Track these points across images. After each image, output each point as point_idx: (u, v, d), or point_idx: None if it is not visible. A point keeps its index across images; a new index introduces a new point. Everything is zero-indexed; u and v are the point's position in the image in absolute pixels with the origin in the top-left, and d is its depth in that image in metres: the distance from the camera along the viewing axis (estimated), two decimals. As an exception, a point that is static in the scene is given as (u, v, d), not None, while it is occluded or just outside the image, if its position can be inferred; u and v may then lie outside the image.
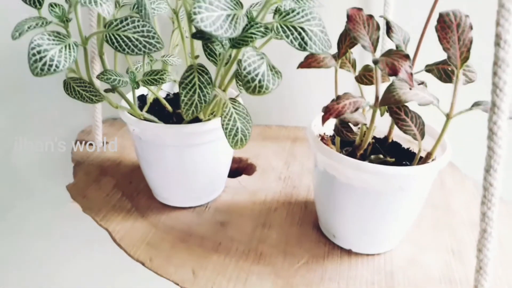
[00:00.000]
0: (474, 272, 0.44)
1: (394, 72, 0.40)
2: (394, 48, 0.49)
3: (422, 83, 0.49)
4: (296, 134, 0.89)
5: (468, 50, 0.42)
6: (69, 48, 0.42)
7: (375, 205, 0.52)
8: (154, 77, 0.53)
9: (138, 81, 0.53)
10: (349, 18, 0.43)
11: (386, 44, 0.74)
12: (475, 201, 0.70)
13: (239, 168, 0.78)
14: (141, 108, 0.62)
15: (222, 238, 0.60)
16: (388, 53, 0.42)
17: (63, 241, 1.02)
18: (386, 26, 0.51)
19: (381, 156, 0.57)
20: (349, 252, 0.58)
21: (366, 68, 0.50)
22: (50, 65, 0.40)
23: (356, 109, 0.44)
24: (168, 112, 0.64)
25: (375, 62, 0.41)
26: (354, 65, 0.51)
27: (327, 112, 0.44)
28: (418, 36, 0.52)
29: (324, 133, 0.60)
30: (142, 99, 0.67)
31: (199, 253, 0.57)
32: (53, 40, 0.41)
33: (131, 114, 0.58)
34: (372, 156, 0.56)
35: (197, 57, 0.51)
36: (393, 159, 0.56)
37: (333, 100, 0.54)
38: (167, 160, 0.60)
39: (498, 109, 0.41)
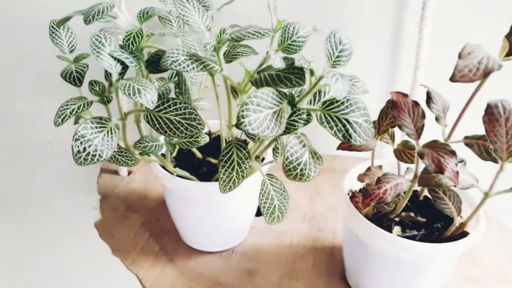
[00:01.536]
0: None
1: (440, 170, 0.39)
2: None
3: (462, 161, 0.48)
4: (319, 164, 0.88)
5: (516, 145, 0.41)
6: (111, 133, 0.41)
7: (407, 274, 0.53)
8: (190, 140, 0.52)
9: (174, 143, 0.53)
10: (394, 104, 0.43)
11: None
12: (500, 249, 0.70)
13: (263, 204, 0.78)
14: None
15: (250, 289, 0.61)
16: (433, 146, 0.41)
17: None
18: (426, 96, 0.50)
19: (412, 214, 0.57)
20: (376, 309, 0.58)
21: (406, 145, 0.49)
22: (94, 155, 0.40)
23: (398, 195, 0.44)
24: (197, 159, 0.64)
25: (421, 156, 0.41)
26: (393, 137, 0.51)
27: (368, 197, 0.44)
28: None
29: (356, 191, 0.59)
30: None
31: (228, 307, 0.58)
32: (96, 128, 0.40)
33: (163, 167, 0.58)
34: (403, 214, 0.56)
35: (234, 125, 0.50)
36: (424, 220, 0.56)
37: (368, 168, 0.53)
38: (196, 212, 0.60)
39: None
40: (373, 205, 0.43)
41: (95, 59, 0.42)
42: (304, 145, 0.42)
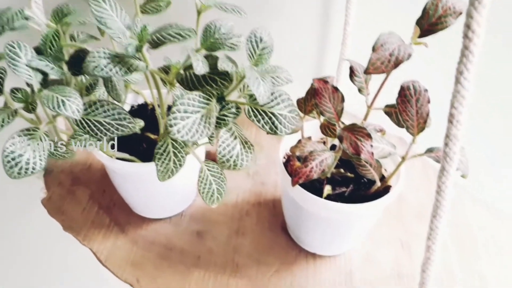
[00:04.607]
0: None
1: (357, 152, 0.43)
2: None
3: (380, 131, 0.52)
4: (260, 115, 0.91)
5: (425, 122, 0.45)
6: (41, 141, 0.41)
7: (338, 229, 0.59)
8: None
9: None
10: (316, 92, 0.45)
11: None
12: (423, 183, 0.78)
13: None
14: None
15: (200, 250, 0.66)
16: (352, 129, 0.45)
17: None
18: (349, 70, 0.53)
19: (342, 170, 0.62)
20: (314, 255, 0.66)
21: (330, 121, 0.53)
22: (27, 169, 0.40)
23: (323, 171, 0.48)
24: (136, 134, 0.64)
25: (340, 139, 0.44)
26: (318, 113, 0.54)
27: (297, 175, 0.48)
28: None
29: (291, 154, 0.63)
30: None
31: (181, 271, 0.63)
32: (24, 140, 0.40)
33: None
34: (334, 170, 0.61)
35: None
36: (353, 175, 0.62)
37: (299, 141, 0.57)
38: (142, 188, 0.63)
39: (447, 172, 0.46)
40: (303, 181, 0.47)
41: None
42: (235, 137, 0.44)
